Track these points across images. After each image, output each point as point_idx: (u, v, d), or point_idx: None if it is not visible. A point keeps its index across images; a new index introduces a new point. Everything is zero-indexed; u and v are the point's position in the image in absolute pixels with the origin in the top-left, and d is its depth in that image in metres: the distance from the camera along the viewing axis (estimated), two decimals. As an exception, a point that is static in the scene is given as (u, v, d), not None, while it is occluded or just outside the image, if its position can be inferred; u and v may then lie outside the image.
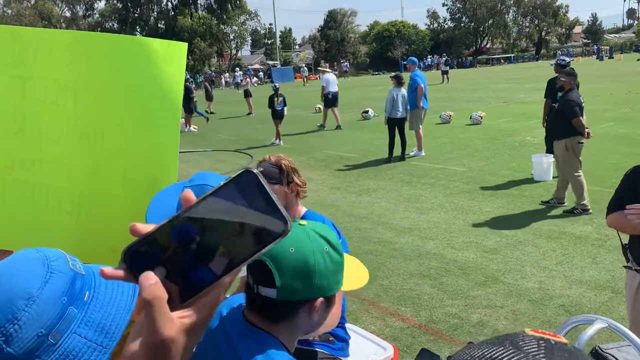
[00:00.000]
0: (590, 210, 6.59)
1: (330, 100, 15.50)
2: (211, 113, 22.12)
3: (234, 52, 70.86)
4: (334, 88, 15.43)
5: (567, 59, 9.02)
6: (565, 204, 6.88)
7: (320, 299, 1.17)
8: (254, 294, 1.16)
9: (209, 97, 22.59)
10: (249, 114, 21.38)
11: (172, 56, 1.38)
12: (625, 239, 2.82)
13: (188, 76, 23.93)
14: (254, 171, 0.58)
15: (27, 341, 0.81)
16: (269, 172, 2.26)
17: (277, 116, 13.78)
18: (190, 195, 0.57)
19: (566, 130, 6.58)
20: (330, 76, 15.84)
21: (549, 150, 8.64)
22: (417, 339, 3.99)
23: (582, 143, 6.64)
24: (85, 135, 1.38)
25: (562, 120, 6.62)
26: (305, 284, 1.14)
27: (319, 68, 18.24)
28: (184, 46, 1.40)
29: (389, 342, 3.08)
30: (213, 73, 53.41)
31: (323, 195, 8.27)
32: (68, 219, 1.41)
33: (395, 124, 10.51)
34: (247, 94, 21.99)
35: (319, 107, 20.88)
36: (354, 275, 1.31)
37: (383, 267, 5.33)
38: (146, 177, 1.39)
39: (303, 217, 2.33)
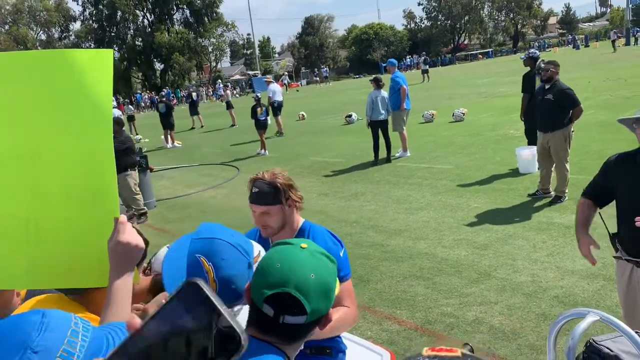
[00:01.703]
0: (567, 198, 6.71)
1: (275, 109, 16.60)
2: (201, 127, 22.10)
3: (213, 64, 70.72)
4: (279, 97, 16.68)
5: (538, 52, 9.11)
6: (552, 193, 6.93)
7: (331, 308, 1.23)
8: (277, 324, 1.16)
9: (194, 112, 22.37)
10: (232, 125, 21.33)
11: (98, 64, 1.35)
12: (613, 228, 2.83)
13: (168, 92, 23.68)
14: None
15: None
16: (264, 194, 2.19)
17: (261, 126, 13.75)
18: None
19: (563, 121, 6.58)
20: (276, 86, 17.10)
21: (531, 142, 8.70)
22: (415, 341, 3.98)
23: (573, 131, 6.71)
24: (22, 158, 1.36)
25: (560, 110, 6.58)
26: (327, 302, 1.20)
27: (264, 79, 18.66)
28: (109, 53, 1.37)
29: (386, 347, 3.07)
30: (192, 87, 53.00)
31: (312, 202, 8.25)
32: (18, 246, 1.38)
33: (378, 127, 10.54)
34: (228, 106, 21.95)
35: (303, 114, 20.90)
36: None
37: (376, 271, 5.32)
38: (87, 190, 1.36)
39: (302, 229, 2.31)
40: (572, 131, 6.69)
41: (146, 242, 1.69)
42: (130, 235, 1.31)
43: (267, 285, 1.16)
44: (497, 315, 4.18)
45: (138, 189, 8.54)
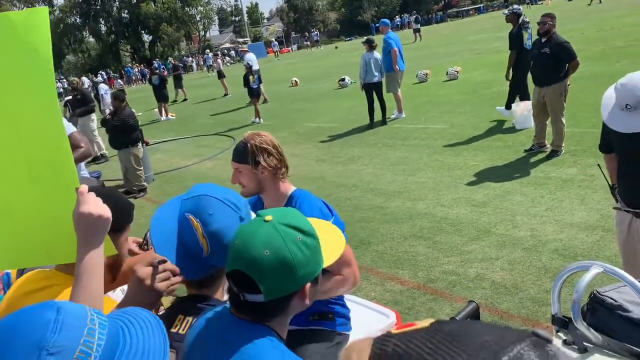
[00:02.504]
0: (563, 151, 6.74)
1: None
2: (174, 101, 21.70)
3: (202, 33, 69.55)
4: (256, 66, 16.26)
5: (520, 8, 9.04)
6: (547, 145, 6.93)
7: (308, 285, 1.17)
8: (240, 300, 1.15)
9: (178, 85, 21.84)
10: (225, 95, 21.11)
11: (34, 24, 1.27)
12: (612, 180, 2.83)
13: (159, 64, 23.25)
14: None
15: None
16: (237, 151, 2.22)
17: (254, 94, 13.61)
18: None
19: (560, 75, 6.51)
20: (251, 56, 16.68)
21: (522, 97, 8.67)
22: (418, 300, 4.04)
23: (569, 85, 6.66)
24: None
25: (556, 64, 6.50)
26: (288, 279, 1.13)
27: (240, 49, 18.30)
28: (44, 10, 1.29)
29: (390, 307, 3.12)
30: (177, 59, 51.83)
31: (309, 169, 8.25)
32: None
33: (372, 89, 10.44)
34: (220, 75, 21.66)
35: (296, 80, 20.68)
36: (331, 245, 1.29)
37: (377, 233, 5.35)
38: (47, 163, 1.30)
39: (291, 198, 2.27)
40: (568, 85, 6.65)
41: (129, 206, 1.65)
42: (92, 205, 1.25)
43: (228, 261, 1.16)
44: (498, 270, 4.23)
45: (140, 163, 8.54)
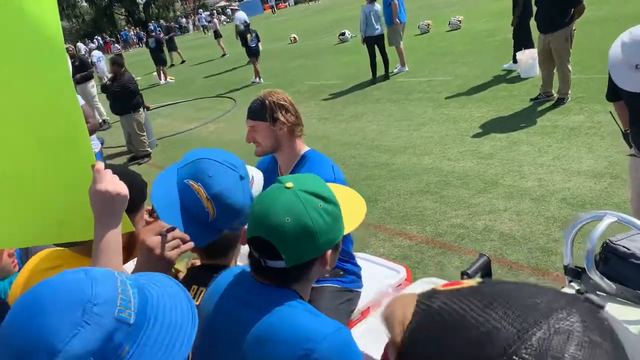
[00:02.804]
0: (570, 99, 6.63)
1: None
2: (182, 61, 21.43)
3: (196, -8, 67.94)
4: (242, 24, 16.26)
5: None
6: (554, 95, 6.83)
7: (329, 251, 1.18)
8: (263, 266, 1.15)
9: (173, 47, 21.27)
10: (223, 55, 20.79)
11: None
12: (625, 126, 2.78)
13: (154, 26, 22.74)
14: None
15: None
16: (254, 108, 2.21)
17: (253, 53, 13.39)
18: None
19: (565, 20, 6.35)
20: (242, 14, 16.38)
21: (526, 47, 8.46)
22: (426, 254, 4.07)
23: (575, 30, 6.50)
24: None
25: (561, 9, 6.32)
26: (310, 246, 1.13)
27: (231, 8, 17.94)
28: None
29: (399, 262, 3.14)
30: (171, 20, 50.54)
31: (313, 128, 8.18)
32: (6, 203, 1.31)
33: (374, 43, 10.23)
34: (217, 35, 21.24)
35: (294, 37, 20.32)
36: (353, 211, 1.29)
37: (383, 190, 5.35)
38: (58, 138, 1.26)
39: (303, 157, 2.27)
40: (574, 30, 6.48)
41: (143, 183, 1.64)
42: (109, 183, 1.21)
43: (248, 228, 1.16)
44: (507, 222, 4.24)
45: (143, 129, 8.49)
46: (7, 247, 1.56)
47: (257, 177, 2.87)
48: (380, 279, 2.52)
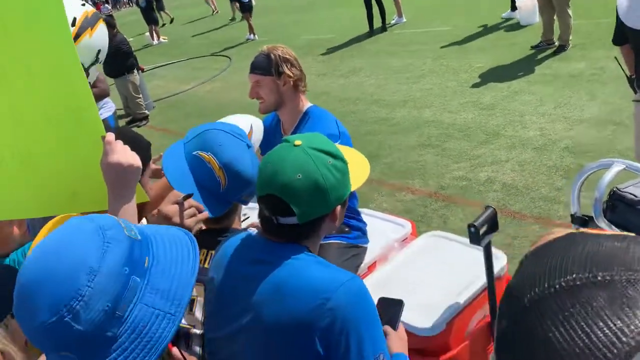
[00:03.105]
0: (571, 46, 6.54)
1: None
2: (171, 20, 20.78)
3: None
4: None
5: None
6: (555, 43, 6.72)
7: (338, 207, 1.20)
8: (275, 224, 1.16)
9: (160, 7, 20.53)
10: (213, 12, 20.30)
11: None
12: (630, 71, 2.73)
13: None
14: None
15: (95, 317, 0.79)
16: (258, 63, 2.19)
17: (246, 9, 13.07)
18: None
19: None
20: None
21: None
22: (430, 207, 4.09)
23: None
24: None
25: None
26: (321, 202, 1.15)
27: None
28: None
29: (403, 216, 3.16)
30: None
31: (311, 84, 7.97)
32: (17, 175, 1.31)
33: (370, -7, 9.99)
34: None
35: (288, -9, 19.80)
36: (357, 169, 1.31)
37: (384, 145, 5.33)
38: (65, 108, 1.25)
39: (306, 114, 2.26)
40: None
41: (148, 145, 1.62)
42: (121, 154, 1.20)
43: (259, 186, 1.17)
44: (509, 172, 4.24)
45: (139, 90, 8.38)
46: (21, 217, 1.57)
47: (255, 125, 2.84)
48: (386, 234, 2.54)
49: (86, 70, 1.76)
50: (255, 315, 1.14)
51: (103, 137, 1.23)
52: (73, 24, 1.69)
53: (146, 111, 8.63)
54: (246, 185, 1.41)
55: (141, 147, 1.47)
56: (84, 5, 1.79)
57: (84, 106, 1.25)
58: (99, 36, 1.79)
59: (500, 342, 0.48)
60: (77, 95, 1.24)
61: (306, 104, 2.30)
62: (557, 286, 0.44)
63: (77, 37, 1.69)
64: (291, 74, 2.17)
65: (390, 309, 1.29)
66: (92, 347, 0.81)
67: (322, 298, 1.07)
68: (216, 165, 1.36)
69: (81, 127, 1.27)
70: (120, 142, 1.24)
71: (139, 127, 8.31)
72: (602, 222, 1.48)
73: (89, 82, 1.63)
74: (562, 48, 6.57)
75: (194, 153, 1.39)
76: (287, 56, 2.18)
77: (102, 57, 1.90)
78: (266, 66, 2.16)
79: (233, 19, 16.36)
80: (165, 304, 0.86)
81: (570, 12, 6.43)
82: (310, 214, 1.15)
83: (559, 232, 0.52)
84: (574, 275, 0.44)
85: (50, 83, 1.24)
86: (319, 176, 1.13)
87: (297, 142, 1.16)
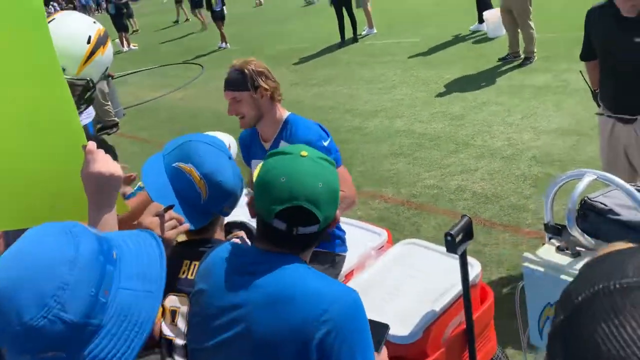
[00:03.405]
0: (536, 58, 6.76)
1: (195, 3, 16.22)
2: (135, 31, 20.35)
3: (154, -46, 65.30)
4: None
5: None
6: (522, 55, 6.92)
7: (338, 211, 1.24)
8: (291, 236, 1.16)
9: (128, 14, 19.91)
10: (186, 20, 20.17)
11: None
12: (594, 86, 2.84)
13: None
14: None
15: (82, 304, 0.82)
16: (233, 80, 2.19)
17: (218, 17, 13.03)
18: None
19: None
20: None
21: (485, 6, 8.51)
22: (402, 215, 4.14)
23: None
24: None
25: None
26: (335, 207, 1.21)
27: None
28: None
29: (376, 224, 3.20)
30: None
31: (284, 94, 7.85)
32: None
33: (341, 4, 10.09)
34: (177, 0, 20.48)
35: (259, 1, 19.85)
36: None
37: (357, 154, 5.38)
38: (47, 119, 1.23)
39: (285, 122, 2.28)
40: None
41: (112, 149, 1.60)
42: (102, 164, 1.19)
43: (275, 200, 1.14)
44: (479, 181, 4.34)
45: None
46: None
47: (231, 142, 2.84)
48: (363, 242, 2.57)
49: (94, 85, 1.79)
50: (247, 325, 1.13)
51: (84, 147, 1.21)
52: (88, 42, 1.73)
53: (116, 118, 8.50)
54: (227, 196, 1.41)
55: (109, 153, 1.46)
56: (95, 23, 1.84)
57: (65, 114, 1.23)
58: (109, 54, 1.85)
59: (554, 333, 0.53)
60: (58, 104, 1.22)
61: (284, 112, 2.32)
62: (611, 287, 0.49)
63: (92, 54, 1.73)
64: (267, 86, 2.18)
65: (376, 330, 1.31)
66: (81, 340, 0.82)
67: (320, 309, 1.08)
68: (197, 177, 1.36)
69: (62, 136, 1.25)
70: (101, 152, 1.22)
71: (108, 134, 8.17)
72: (576, 231, 1.54)
73: (97, 94, 1.66)
74: (527, 60, 6.78)
75: (173, 165, 1.38)
76: (261, 69, 2.19)
77: (107, 72, 1.93)
78: (242, 82, 2.15)
79: (204, 29, 16.33)
80: (143, 284, 0.90)
81: (532, 24, 6.66)
82: (327, 220, 1.19)
83: (620, 245, 0.58)
84: (628, 279, 0.48)
85: (31, 92, 1.22)
86: (334, 183, 1.19)
87: (304, 153, 1.18)
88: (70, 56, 1.68)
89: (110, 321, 0.85)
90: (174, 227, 1.28)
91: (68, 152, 1.25)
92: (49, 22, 1.68)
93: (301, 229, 1.16)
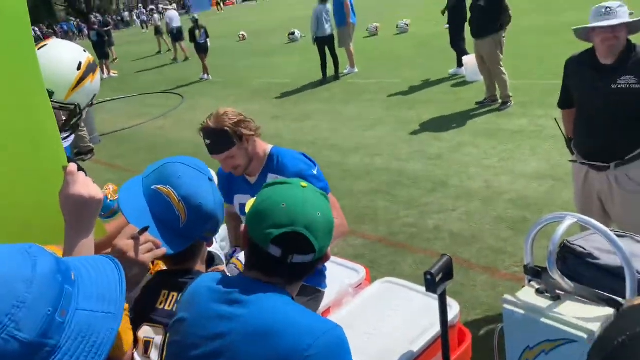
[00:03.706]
0: (512, 103, 6.97)
1: (175, 35, 16.93)
2: (114, 59, 20.26)
3: (140, -15, 66.02)
4: (177, 24, 16.79)
5: None
6: (499, 100, 7.09)
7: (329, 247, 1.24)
8: (284, 264, 1.15)
9: (109, 42, 18.80)
10: (168, 50, 20.27)
11: None
12: (568, 133, 2.91)
13: (99, 18, 21.87)
14: None
15: (38, 323, 0.79)
16: (218, 142, 2.18)
17: (201, 49, 13.15)
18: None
19: (494, 26, 6.73)
20: (173, 13, 17.26)
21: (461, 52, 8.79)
22: (379, 252, 4.12)
23: (504, 37, 6.84)
24: None
25: (490, 16, 6.73)
26: (329, 240, 1.21)
27: (160, 6, 18.57)
28: None
29: (354, 260, 3.17)
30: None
31: (265, 127, 7.98)
32: None
33: (324, 43, 10.29)
34: (157, 32, 20.64)
35: (243, 34, 20.11)
36: None
37: (336, 190, 5.32)
38: (25, 134, 1.21)
39: (270, 155, 2.28)
40: (504, 37, 6.84)
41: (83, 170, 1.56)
42: (82, 186, 1.17)
43: (273, 225, 1.14)
44: (456, 221, 4.36)
45: (82, 124, 8.13)
46: None
47: (214, 176, 2.80)
48: (340, 279, 2.53)
49: (81, 111, 1.83)
50: (229, 356, 1.10)
51: (64, 167, 1.19)
52: (78, 68, 1.77)
53: (91, 144, 8.40)
54: (207, 219, 1.37)
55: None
56: (85, 51, 1.89)
57: (47, 136, 1.21)
58: (97, 81, 1.89)
59: None
60: (40, 125, 1.20)
61: (267, 146, 2.34)
62: None
63: (81, 80, 1.77)
64: (250, 131, 2.20)
65: None
66: None
67: (305, 344, 1.06)
68: (175, 199, 1.32)
69: (42, 157, 1.22)
70: (82, 174, 1.20)
71: (84, 160, 8.04)
72: (556, 274, 1.54)
73: (83, 122, 1.69)
74: (504, 105, 6.96)
75: (152, 187, 1.35)
76: (237, 118, 2.19)
77: (94, 99, 1.96)
78: (227, 141, 2.16)
79: (186, 59, 16.50)
80: (102, 305, 0.88)
81: (503, 69, 6.89)
82: (321, 252, 1.18)
83: None
84: None
85: (13, 112, 1.19)
86: (330, 215, 1.20)
87: (303, 184, 1.21)
88: (59, 81, 1.69)
89: (67, 342, 0.82)
90: (150, 250, 1.23)
91: (48, 172, 1.22)
92: (40, 48, 1.69)
93: (296, 257, 1.15)
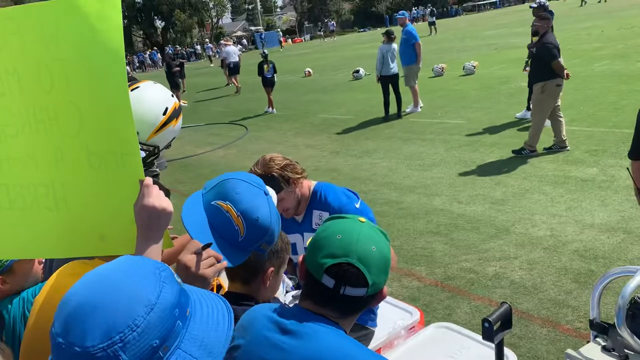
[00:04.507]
0: (568, 148, 6.88)
1: (232, 69, 18.17)
2: (183, 91, 20.76)
3: (214, 20, 69.40)
4: (234, 58, 18.04)
5: (544, 1, 8.87)
6: (568, 147, 6.86)
7: (385, 286, 1.23)
8: (336, 295, 1.16)
9: (182, 75, 19.29)
10: (228, 84, 20.88)
11: (107, 11, 1.23)
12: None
13: (171, 50, 23.11)
14: None
15: (142, 351, 0.80)
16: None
17: (268, 84, 13.57)
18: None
19: (544, 74, 6.71)
20: (231, 48, 18.28)
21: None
22: (436, 297, 4.01)
23: (560, 85, 6.72)
24: (41, 122, 1.30)
25: (541, 63, 6.75)
26: (384, 277, 1.20)
27: (221, 42, 19.59)
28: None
29: (409, 302, 3.09)
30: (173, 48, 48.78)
31: (324, 161, 8.21)
32: (48, 214, 1.35)
33: (388, 82, 10.37)
34: (224, 65, 21.39)
35: (309, 71, 20.59)
36: None
37: (392, 228, 5.32)
38: (108, 152, 1.29)
39: (314, 192, 2.33)
40: (559, 85, 6.72)
41: (168, 192, 1.64)
42: (156, 198, 1.24)
43: (328, 255, 1.16)
44: (517, 270, 4.19)
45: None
46: (44, 257, 1.57)
47: (273, 194, 2.87)
48: (393, 320, 2.48)
49: (159, 152, 1.96)
50: None
51: (141, 181, 1.26)
52: (164, 113, 1.87)
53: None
54: (264, 232, 1.42)
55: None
56: (173, 96, 2.02)
57: (128, 151, 1.28)
58: (179, 126, 2.02)
59: None
60: (123, 141, 1.27)
61: (311, 183, 2.40)
62: None
63: (165, 124, 1.88)
64: (297, 174, 2.26)
65: None
66: None
67: None
68: (234, 214, 1.37)
69: (122, 171, 1.29)
70: (156, 187, 1.27)
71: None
72: (625, 331, 1.44)
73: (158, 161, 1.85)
74: (561, 149, 6.90)
75: (212, 202, 1.41)
76: (283, 163, 2.24)
77: (172, 142, 2.09)
78: (276, 185, 2.21)
79: (238, 93, 17.40)
80: (202, 354, 0.86)
81: (542, 119, 6.86)
82: (375, 288, 1.17)
83: None
84: None
85: (100, 129, 1.28)
86: (387, 251, 1.20)
87: (362, 219, 1.22)
88: (145, 123, 1.79)
89: None
90: (212, 265, 1.29)
91: (126, 186, 1.29)
92: (133, 89, 1.82)
93: (349, 289, 1.15)
